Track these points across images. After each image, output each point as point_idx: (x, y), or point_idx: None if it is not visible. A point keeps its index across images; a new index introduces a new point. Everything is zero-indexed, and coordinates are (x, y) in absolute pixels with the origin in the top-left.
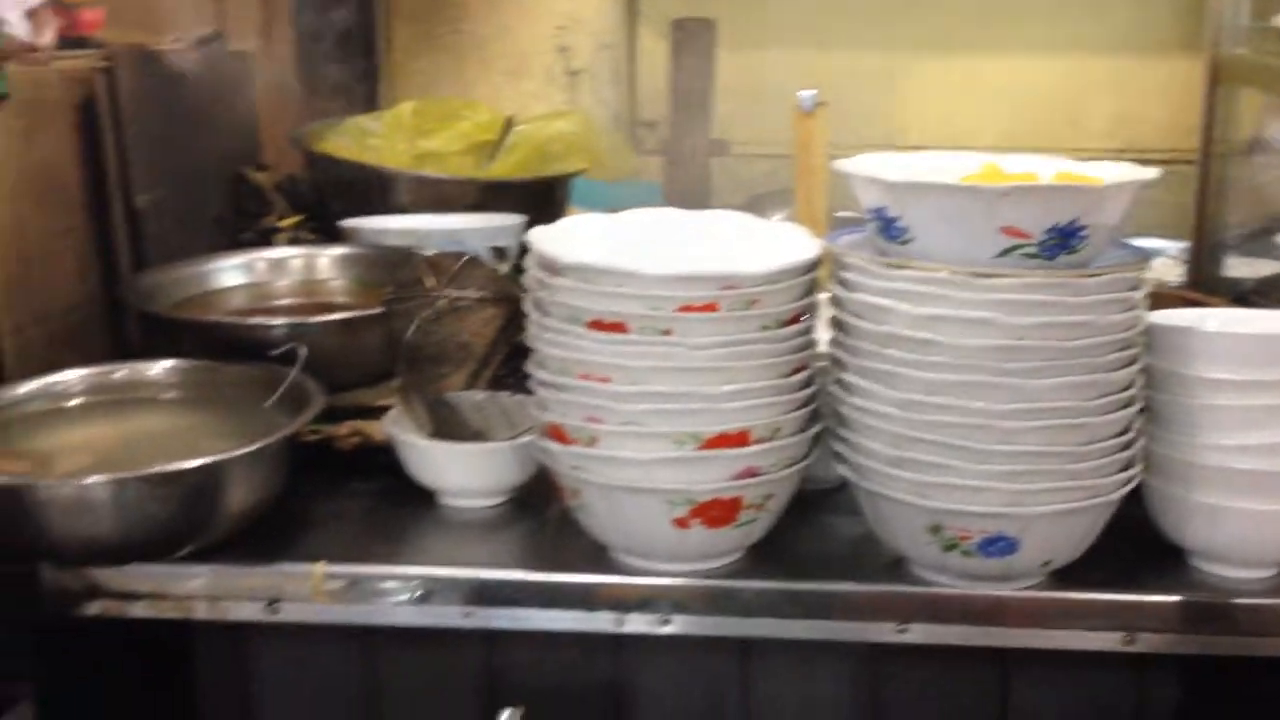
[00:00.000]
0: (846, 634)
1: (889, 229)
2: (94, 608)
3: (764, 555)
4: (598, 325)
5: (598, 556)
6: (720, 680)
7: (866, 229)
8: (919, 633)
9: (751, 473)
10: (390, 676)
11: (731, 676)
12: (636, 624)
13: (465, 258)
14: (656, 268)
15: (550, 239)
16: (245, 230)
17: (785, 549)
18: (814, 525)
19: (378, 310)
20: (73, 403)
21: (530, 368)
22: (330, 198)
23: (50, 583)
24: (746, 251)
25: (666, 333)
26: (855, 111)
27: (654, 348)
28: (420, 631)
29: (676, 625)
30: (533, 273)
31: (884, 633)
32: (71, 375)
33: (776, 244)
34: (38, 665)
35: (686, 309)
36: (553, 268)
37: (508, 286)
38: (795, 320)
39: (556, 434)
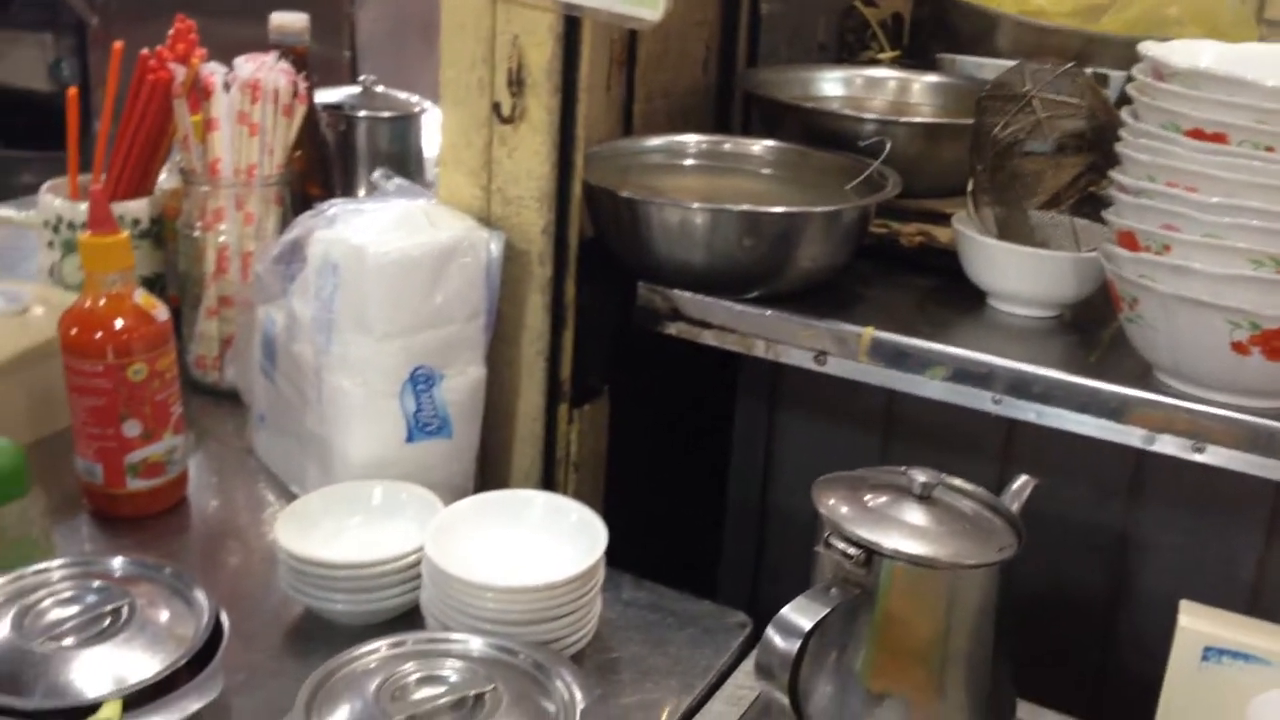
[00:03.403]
0: None
1: None
2: (673, 328)
3: None
4: (1197, 134)
5: (1141, 378)
6: (1239, 543)
7: None
8: None
9: None
10: (905, 445)
11: (1252, 540)
12: (1166, 445)
13: (1067, 65)
14: (1275, 80)
15: (1163, 46)
16: (844, 60)
17: None
18: None
19: (962, 122)
20: (686, 161)
21: (1114, 174)
22: (931, 37)
23: (643, 299)
24: None
25: (1270, 150)
26: None
27: (1253, 163)
28: (945, 409)
29: (1210, 456)
30: (1138, 79)
31: None
32: (689, 138)
33: None
34: (617, 367)
35: None
36: (1160, 72)
37: (1105, 104)
38: None
39: (1127, 240)
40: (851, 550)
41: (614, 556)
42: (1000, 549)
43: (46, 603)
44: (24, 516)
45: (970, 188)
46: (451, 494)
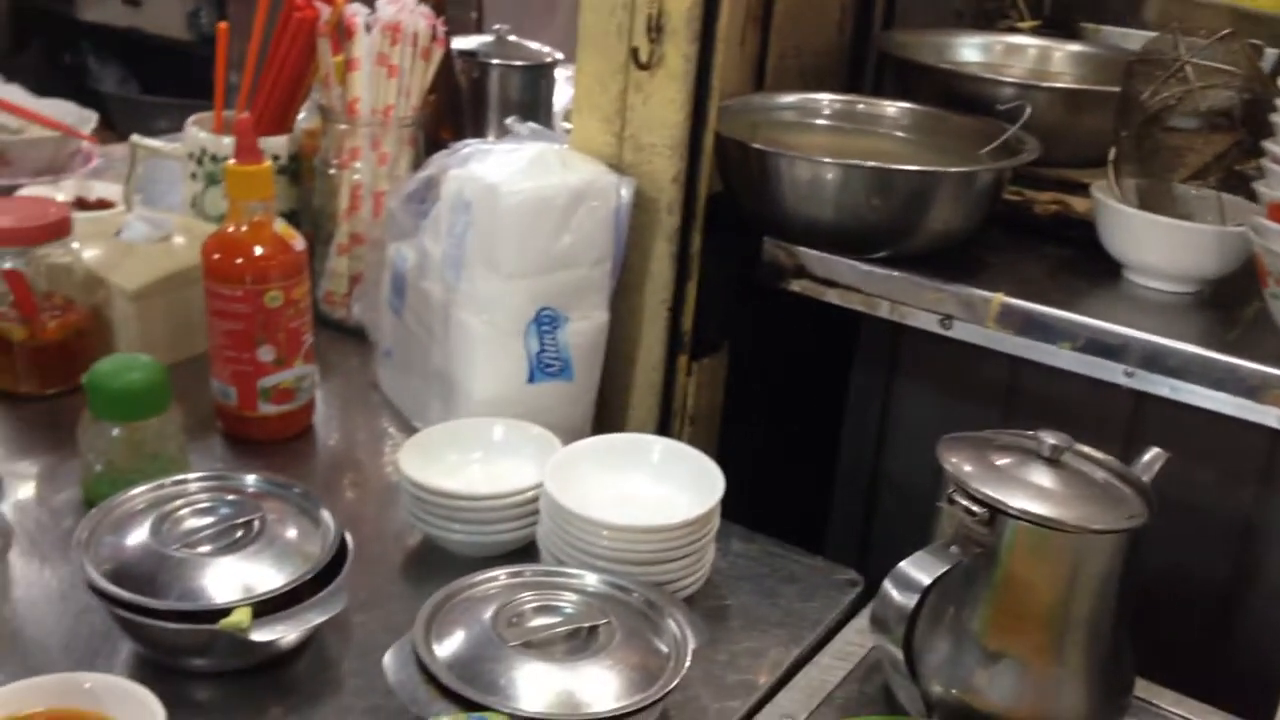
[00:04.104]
0: None
1: None
2: (797, 285)
3: None
4: None
5: None
6: None
7: None
8: None
9: None
10: (1026, 419)
11: None
12: None
13: (1224, 32)
14: None
15: None
16: (983, 28)
17: None
18: None
19: (1106, 89)
20: (818, 121)
21: (1267, 144)
22: (1073, 7)
23: (768, 255)
24: None
25: None
26: None
27: None
28: (1069, 383)
29: None
30: None
31: None
32: (823, 97)
33: None
34: (737, 323)
35: None
36: None
37: (1259, 74)
38: None
39: (1278, 214)
40: (975, 508)
41: (724, 510)
42: (1130, 517)
43: (184, 512)
44: (163, 432)
45: (1112, 156)
46: (569, 437)
